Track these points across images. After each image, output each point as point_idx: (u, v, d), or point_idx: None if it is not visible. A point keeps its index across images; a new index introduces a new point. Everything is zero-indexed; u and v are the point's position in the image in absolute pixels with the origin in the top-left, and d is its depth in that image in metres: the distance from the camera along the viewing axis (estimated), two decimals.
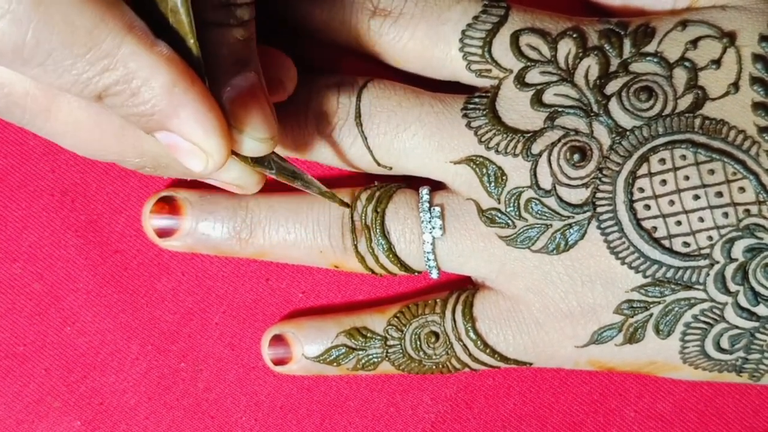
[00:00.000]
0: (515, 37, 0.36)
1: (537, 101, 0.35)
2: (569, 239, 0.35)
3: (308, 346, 0.38)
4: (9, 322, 0.39)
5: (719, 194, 0.35)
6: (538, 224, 0.35)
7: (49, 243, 0.39)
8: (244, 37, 0.31)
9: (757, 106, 0.35)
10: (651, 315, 0.35)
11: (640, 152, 0.35)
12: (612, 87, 0.35)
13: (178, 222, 0.38)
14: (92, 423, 0.40)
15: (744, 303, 0.35)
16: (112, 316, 0.40)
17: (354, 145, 0.36)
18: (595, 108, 0.35)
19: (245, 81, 0.31)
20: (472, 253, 0.36)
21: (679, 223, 0.35)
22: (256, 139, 0.31)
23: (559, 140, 0.35)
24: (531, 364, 0.37)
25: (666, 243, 0.35)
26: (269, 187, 0.39)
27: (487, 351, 0.37)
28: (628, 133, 0.35)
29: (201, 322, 0.40)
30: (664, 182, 0.35)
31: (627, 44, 0.36)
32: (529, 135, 0.35)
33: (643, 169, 0.35)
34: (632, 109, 0.35)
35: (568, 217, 0.35)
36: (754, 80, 0.35)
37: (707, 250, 0.35)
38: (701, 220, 0.35)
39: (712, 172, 0.35)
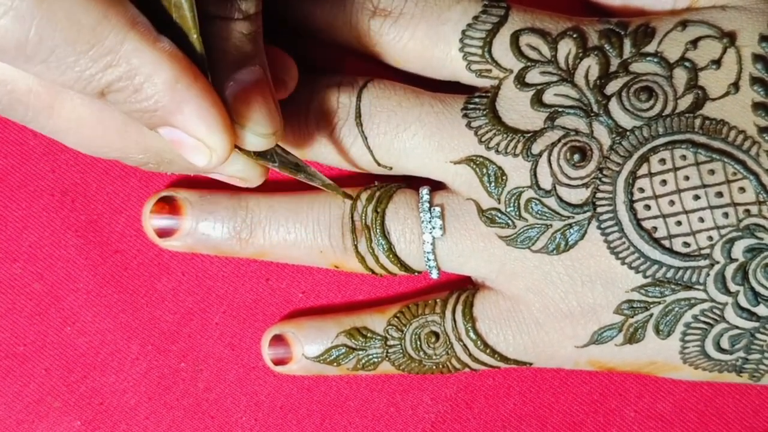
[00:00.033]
0: (515, 37, 0.36)
1: (537, 101, 0.35)
2: (569, 239, 0.35)
3: (308, 346, 0.38)
4: (9, 322, 0.39)
5: (719, 194, 0.35)
6: (538, 224, 0.35)
7: (50, 243, 0.39)
8: (249, 31, 0.31)
9: (757, 106, 0.35)
10: (651, 315, 0.35)
11: (640, 152, 0.35)
12: (612, 87, 0.35)
13: (178, 222, 0.38)
14: (92, 423, 0.40)
15: (744, 303, 0.35)
16: (113, 316, 0.40)
17: (354, 145, 0.36)
18: (595, 108, 0.35)
19: (249, 75, 0.31)
20: (472, 253, 0.36)
21: (679, 223, 0.35)
22: (257, 134, 0.31)
23: (559, 140, 0.35)
24: (531, 364, 0.37)
25: (666, 243, 0.35)
26: (269, 187, 0.39)
27: (487, 351, 0.37)
28: (628, 133, 0.35)
29: (201, 322, 0.40)
30: (664, 182, 0.35)
31: (627, 44, 0.36)
32: (529, 135, 0.35)
33: (644, 170, 0.35)
34: (632, 109, 0.35)
35: (568, 217, 0.35)
36: (755, 80, 0.35)
37: (707, 251, 0.35)
38: (701, 220, 0.35)
39: (712, 172, 0.35)
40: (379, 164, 0.37)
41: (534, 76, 0.35)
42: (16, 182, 0.39)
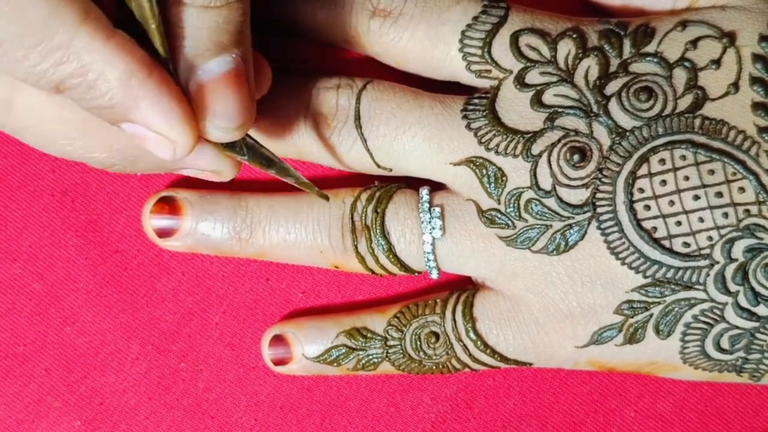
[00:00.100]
0: (515, 38, 0.35)
1: (537, 102, 0.35)
2: (569, 240, 0.35)
3: (308, 346, 0.38)
4: (9, 322, 0.39)
5: (719, 194, 0.35)
6: (538, 225, 0.35)
7: (49, 243, 0.39)
8: (229, 19, 0.30)
9: (756, 106, 0.35)
10: (651, 315, 0.35)
11: (640, 152, 0.35)
12: (612, 87, 0.35)
13: (178, 222, 0.38)
14: (92, 423, 0.40)
15: (744, 303, 0.35)
16: (112, 316, 0.40)
17: (354, 148, 0.36)
18: (594, 108, 0.35)
19: (221, 66, 0.30)
20: (472, 254, 0.36)
21: (679, 223, 0.35)
22: (220, 127, 0.30)
23: (559, 141, 0.35)
24: (531, 364, 0.37)
25: (666, 243, 0.35)
26: (269, 187, 0.39)
27: (487, 351, 0.37)
28: (627, 133, 0.35)
29: (201, 322, 0.40)
30: (664, 182, 0.35)
31: (627, 44, 0.36)
32: (529, 136, 0.35)
33: (643, 170, 0.35)
34: (632, 110, 0.35)
35: (568, 217, 0.35)
36: (754, 80, 0.35)
37: (707, 251, 0.35)
38: (701, 220, 0.35)
39: (712, 172, 0.35)
40: (379, 166, 0.37)
41: (534, 77, 0.35)
42: (16, 182, 0.39)
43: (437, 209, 0.36)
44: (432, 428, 0.40)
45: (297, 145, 0.37)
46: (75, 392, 0.40)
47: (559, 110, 0.35)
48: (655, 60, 0.35)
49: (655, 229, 0.35)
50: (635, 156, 0.35)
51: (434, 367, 0.38)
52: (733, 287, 0.35)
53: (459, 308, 0.37)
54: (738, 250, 0.35)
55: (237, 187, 0.39)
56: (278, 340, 0.39)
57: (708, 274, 0.35)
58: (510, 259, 0.36)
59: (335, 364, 0.38)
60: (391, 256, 0.37)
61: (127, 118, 0.29)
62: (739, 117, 0.35)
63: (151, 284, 0.40)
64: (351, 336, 0.38)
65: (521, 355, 0.37)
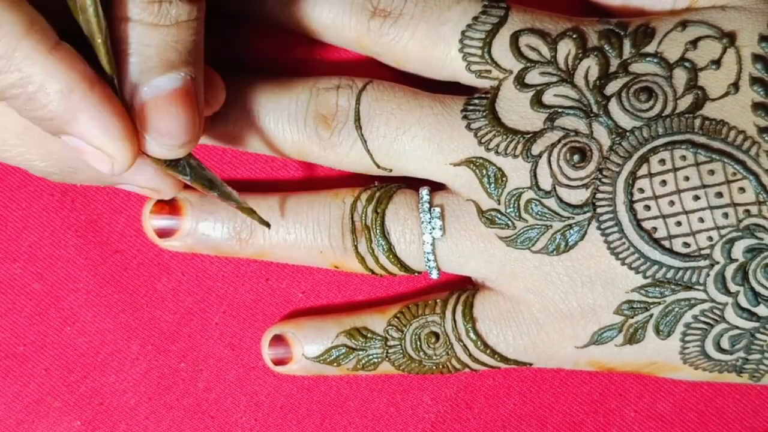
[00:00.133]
0: (515, 38, 0.35)
1: (537, 102, 0.35)
2: (569, 240, 0.35)
3: (308, 346, 0.38)
4: (9, 322, 0.39)
5: (719, 195, 0.35)
6: (538, 225, 0.35)
7: (49, 243, 0.39)
8: (178, 38, 0.30)
9: (757, 106, 0.35)
10: (651, 315, 0.35)
11: (640, 153, 0.35)
12: (612, 87, 0.35)
13: (179, 222, 0.38)
14: (92, 423, 0.40)
15: (744, 303, 0.35)
16: (112, 316, 0.40)
17: (354, 148, 0.36)
18: (594, 109, 0.35)
19: (167, 83, 0.30)
20: (472, 254, 0.36)
21: (679, 223, 0.35)
22: (162, 144, 0.30)
23: (558, 141, 0.35)
24: (531, 364, 0.37)
25: (666, 243, 0.35)
26: (269, 187, 0.39)
27: (487, 351, 0.37)
28: (628, 133, 0.35)
29: (201, 322, 0.40)
30: (664, 183, 0.35)
31: (627, 45, 0.36)
32: (529, 136, 0.35)
33: (643, 170, 0.35)
34: (632, 110, 0.35)
35: (568, 217, 0.35)
36: (754, 80, 0.35)
37: (707, 251, 0.35)
38: (701, 220, 0.35)
39: (712, 172, 0.35)
40: (379, 166, 0.37)
41: (534, 77, 0.35)
42: (16, 182, 0.39)
43: (437, 209, 0.36)
44: (432, 428, 0.40)
45: (297, 145, 0.37)
46: (75, 392, 0.40)
47: (559, 110, 0.35)
48: (655, 60, 0.35)
49: (655, 229, 0.35)
50: (635, 156, 0.35)
51: (434, 367, 0.38)
52: (733, 287, 0.35)
53: (459, 308, 0.37)
54: (738, 250, 0.35)
55: (237, 187, 0.39)
56: (278, 340, 0.39)
57: (708, 275, 0.35)
58: (510, 259, 0.36)
59: (335, 364, 0.38)
60: (391, 256, 0.37)
61: (66, 130, 0.29)
62: (739, 117, 0.35)
63: (151, 284, 0.40)
64: (351, 336, 0.38)
65: (521, 356, 0.37)
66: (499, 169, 0.35)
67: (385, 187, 0.37)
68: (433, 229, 0.36)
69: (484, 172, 0.35)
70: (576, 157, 0.35)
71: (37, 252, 0.39)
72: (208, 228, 0.38)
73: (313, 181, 0.40)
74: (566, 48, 0.35)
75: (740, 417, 0.41)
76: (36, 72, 0.27)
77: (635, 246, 0.35)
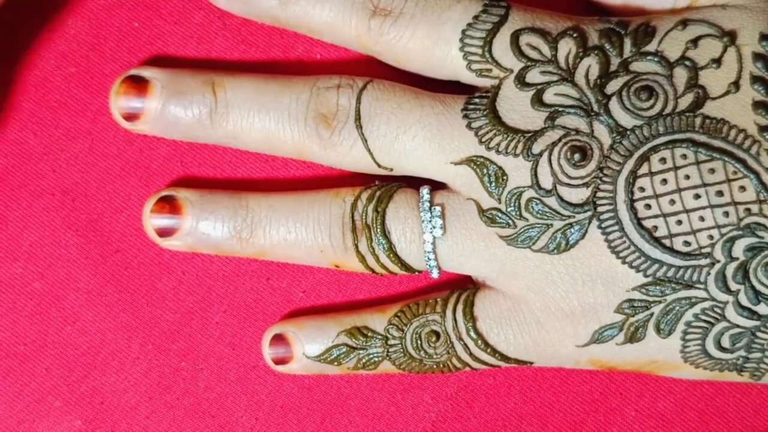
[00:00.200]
0: (515, 37, 0.35)
1: (537, 101, 0.35)
2: (570, 239, 0.35)
3: (309, 346, 0.38)
4: (9, 321, 0.39)
5: (720, 193, 0.35)
6: (538, 224, 0.35)
7: (50, 242, 0.39)
8: None
9: (757, 104, 0.35)
10: (652, 314, 0.35)
11: (640, 151, 0.35)
12: (612, 86, 0.35)
13: (179, 221, 0.38)
14: (93, 422, 0.40)
15: (745, 302, 0.35)
16: (113, 316, 0.40)
17: (354, 147, 0.36)
18: (595, 107, 0.35)
19: None
20: (472, 253, 0.36)
21: (679, 222, 0.35)
22: None
23: (559, 140, 0.35)
24: (532, 363, 0.37)
25: (667, 242, 0.35)
26: (270, 187, 0.39)
27: (488, 350, 0.37)
28: (628, 132, 0.35)
29: (201, 321, 0.40)
30: (664, 181, 0.35)
31: (627, 43, 0.36)
32: (529, 135, 0.35)
33: (644, 169, 0.35)
34: (633, 109, 0.35)
35: (569, 216, 0.35)
36: (755, 79, 0.35)
37: (708, 249, 0.35)
38: (702, 219, 0.35)
39: (712, 171, 0.35)
40: (379, 166, 0.37)
41: (534, 76, 0.35)
42: (16, 182, 0.39)
43: (438, 208, 0.36)
44: (432, 427, 0.40)
45: (297, 145, 0.37)
46: (75, 391, 0.40)
47: (560, 109, 0.35)
48: (656, 59, 0.35)
49: (655, 228, 0.35)
50: (636, 155, 0.35)
51: (435, 366, 0.38)
52: (733, 286, 0.35)
53: (459, 307, 0.37)
54: (739, 248, 0.35)
55: (238, 186, 0.39)
56: (279, 339, 0.39)
57: (709, 273, 0.35)
58: (510, 258, 0.36)
59: (336, 363, 0.38)
60: (391, 255, 0.37)
61: None
62: (739, 116, 0.35)
63: (152, 284, 0.40)
64: (351, 335, 0.38)
65: (522, 354, 0.37)
66: (500, 168, 0.35)
67: (386, 186, 0.37)
68: (434, 228, 0.36)
69: (485, 171, 0.35)
70: (577, 156, 0.35)
71: (38, 251, 0.39)
72: (208, 227, 0.38)
73: (314, 180, 0.40)
74: (567, 47, 0.35)
75: (741, 416, 0.41)
76: None
77: (636, 245, 0.35)
